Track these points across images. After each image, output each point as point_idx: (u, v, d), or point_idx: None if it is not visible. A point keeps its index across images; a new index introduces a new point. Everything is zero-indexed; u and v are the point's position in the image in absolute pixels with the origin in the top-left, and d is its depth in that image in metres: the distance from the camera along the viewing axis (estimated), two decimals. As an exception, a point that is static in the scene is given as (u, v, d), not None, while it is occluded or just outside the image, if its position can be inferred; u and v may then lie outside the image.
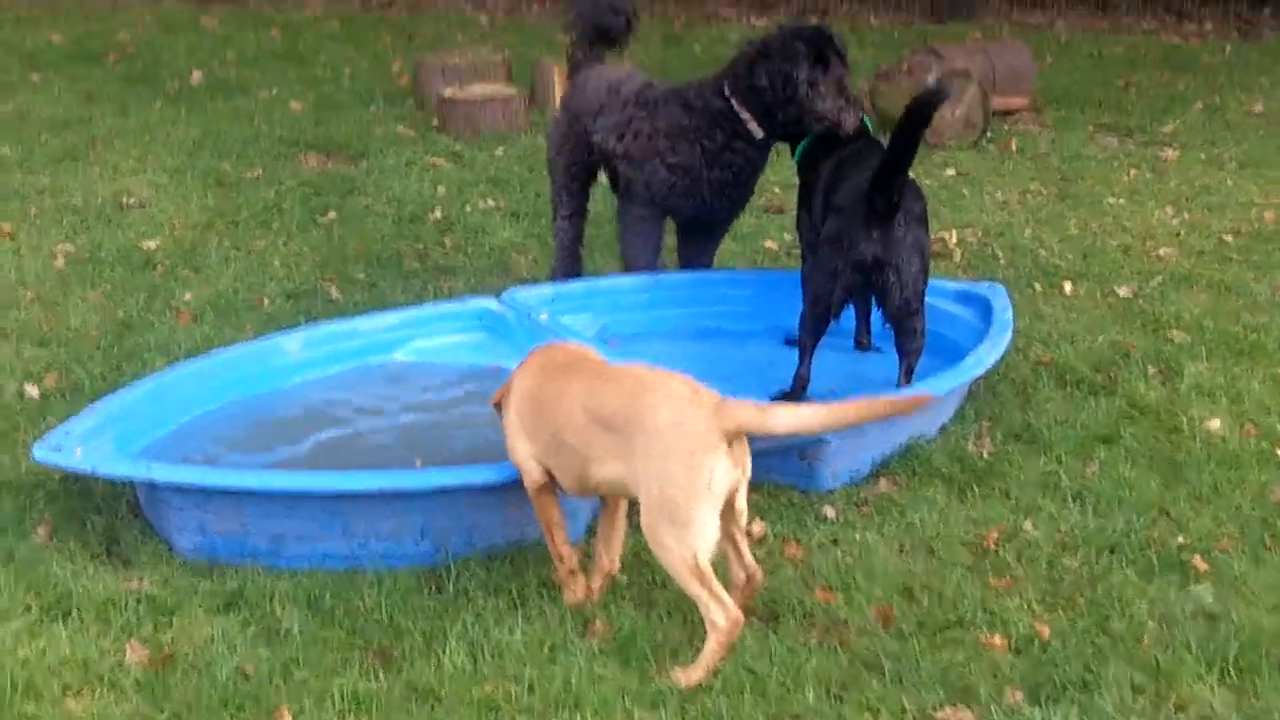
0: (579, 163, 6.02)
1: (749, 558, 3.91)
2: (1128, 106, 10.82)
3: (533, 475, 3.97)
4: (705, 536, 3.65)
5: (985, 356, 5.11)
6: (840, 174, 5.24)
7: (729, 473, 3.66)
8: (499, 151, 8.85)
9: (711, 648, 3.68)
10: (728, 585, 3.82)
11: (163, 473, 4.04)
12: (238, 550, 4.10)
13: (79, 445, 4.15)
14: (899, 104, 9.56)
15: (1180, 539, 4.48)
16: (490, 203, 7.80)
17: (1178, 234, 7.67)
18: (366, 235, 7.20)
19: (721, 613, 3.66)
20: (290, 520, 4.04)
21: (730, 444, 3.65)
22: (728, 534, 3.80)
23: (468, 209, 7.67)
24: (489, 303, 5.47)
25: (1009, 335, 5.35)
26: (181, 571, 4.12)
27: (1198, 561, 4.34)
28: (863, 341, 5.74)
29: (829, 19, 14.49)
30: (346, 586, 4.04)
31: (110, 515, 4.42)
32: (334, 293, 6.39)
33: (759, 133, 5.56)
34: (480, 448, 4.67)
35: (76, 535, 4.32)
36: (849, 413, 3.72)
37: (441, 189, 7.98)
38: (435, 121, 9.46)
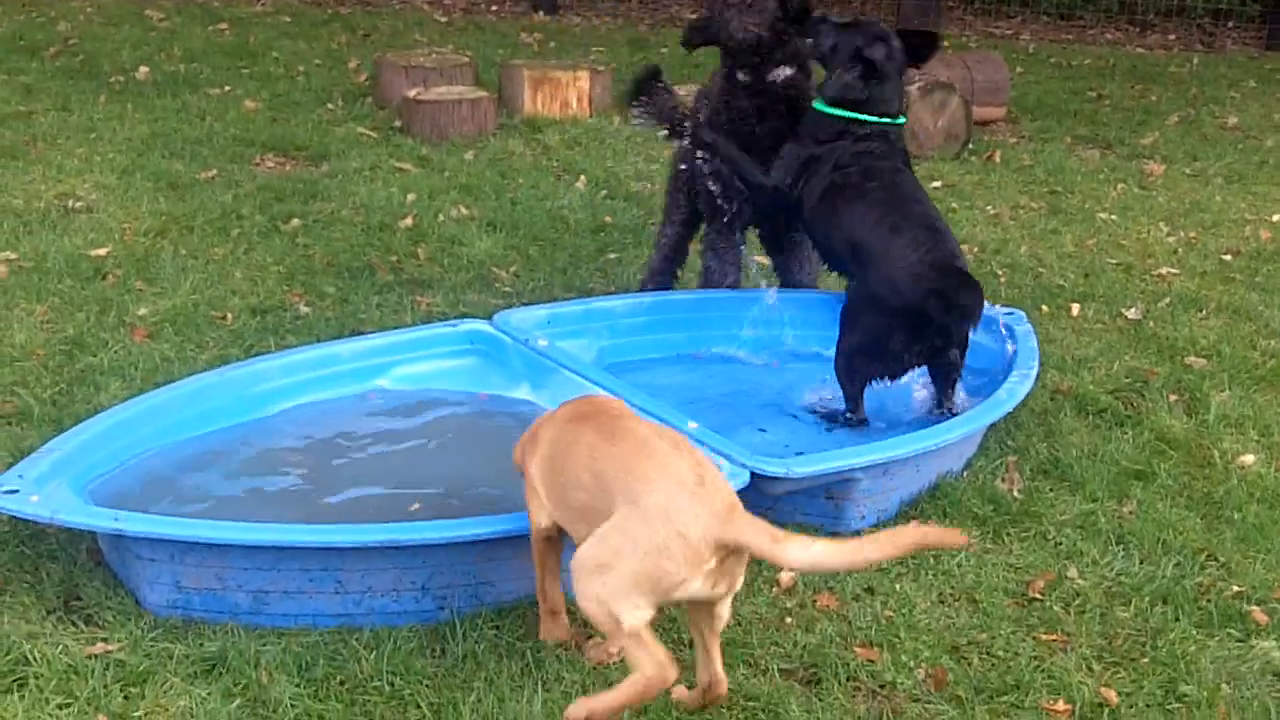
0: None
1: (718, 665, 3.36)
2: (1103, 118, 10.65)
3: (539, 523, 3.56)
4: (635, 616, 3.13)
5: (1017, 389, 4.79)
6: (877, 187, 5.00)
7: (701, 590, 3.14)
8: (469, 156, 8.42)
9: (625, 689, 3.17)
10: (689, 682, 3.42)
11: (134, 523, 3.58)
12: (216, 607, 3.66)
13: (35, 490, 3.68)
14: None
15: (1234, 587, 4.19)
16: (464, 211, 7.38)
17: (1176, 252, 7.46)
18: (334, 244, 6.75)
19: (650, 662, 3.14)
20: (277, 575, 3.61)
21: (721, 560, 3.15)
22: (699, 632, 3.33)
23: (440, 218, 7.24)
24: (481, 326, 5.04)
25: (1036, 365, 5.03)
26: (153, 632, 3.64)
27: (1257, 614, 4.05)
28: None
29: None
30: (341, 649, 3.61)
31: (68, 563, 3.93)
32: (303, 308, 5.94)
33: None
34: (474, 485, 4.29)
35: (30, 587, 3.82)
36: (871, 552, 3.16)
37: (411, 195, 7.54)
38: (398, 123, 9.01)
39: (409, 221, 7.12)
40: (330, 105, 9.46)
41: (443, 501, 4.15)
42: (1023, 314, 5.47)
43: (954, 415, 4.87)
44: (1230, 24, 14.80)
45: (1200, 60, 13.27)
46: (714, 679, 3.36)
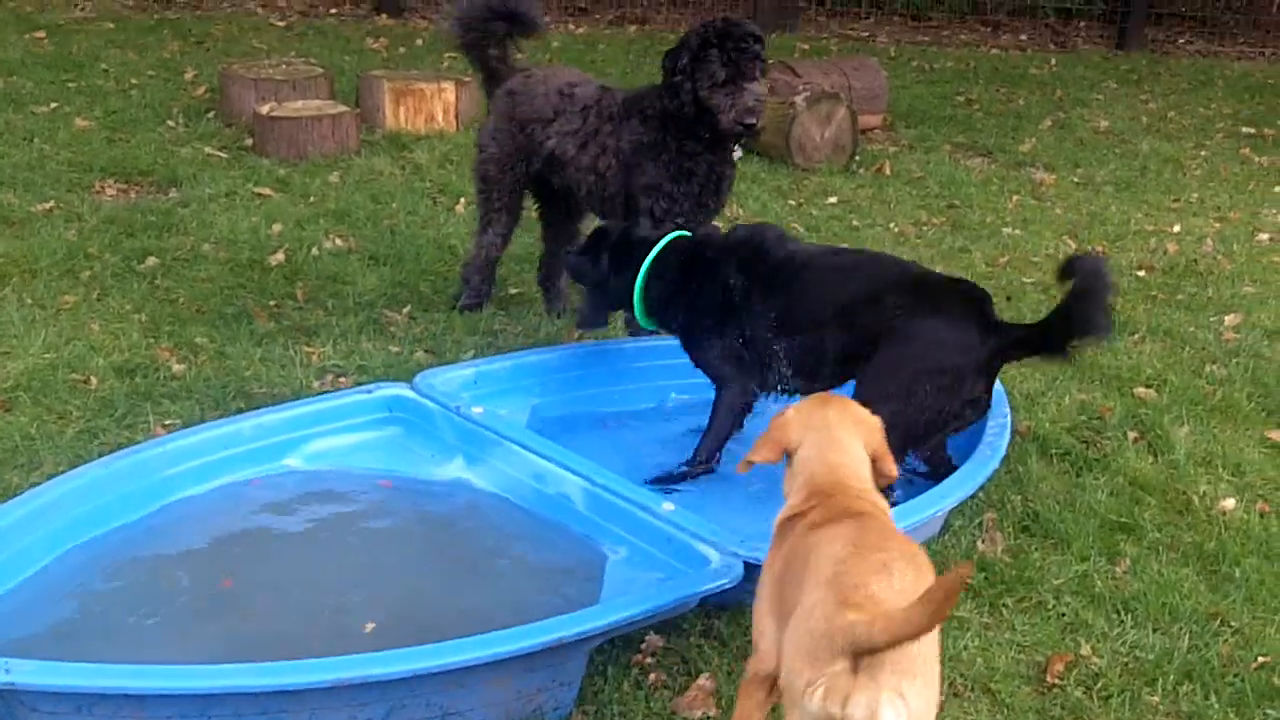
0: (525, 175, 5.65)
1: None
2: (977, 124, 10.46)
3: (762, 656, 2.89)
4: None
5: (999, 440, 4.38)
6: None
7: None
8: (333, 178, 7.75)
9: None
10: None
11: (28, 674, 2.91)
12: (132, 765, 3.01)
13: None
14: (768, 124, 8.95)
15: (1259, 658, 3.86)
16: (339, 242, 6.72)
17: (1088, 269, 7.17)
18: (199, 287, 6.04)
19: None
20: (209, 723, 2.98)
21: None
22: None
23: (314, 251, 6.57)
24: (400, 390, 4.44)
25: (1008, 410, 4.64)
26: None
27: (1291, 689, 3.69)
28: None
29: (649, 28, 13.78)
30: (291, 810, 3.01)
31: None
32: (175, 365, 5.24)
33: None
34: (415, 584, 3.70)
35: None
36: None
37: (277, 226, 6.85)
38: (249, 141, 8.29)
39: (280, 257, 6.43)
40: (171, 122, 8.67)
41: (389, 615, 3.55)
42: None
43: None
44: (1081, 23, 14.84)
45: (1058, 61, 13.21)
46: None
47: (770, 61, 9.79)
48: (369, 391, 4.43)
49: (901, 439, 4.05)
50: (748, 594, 3.61)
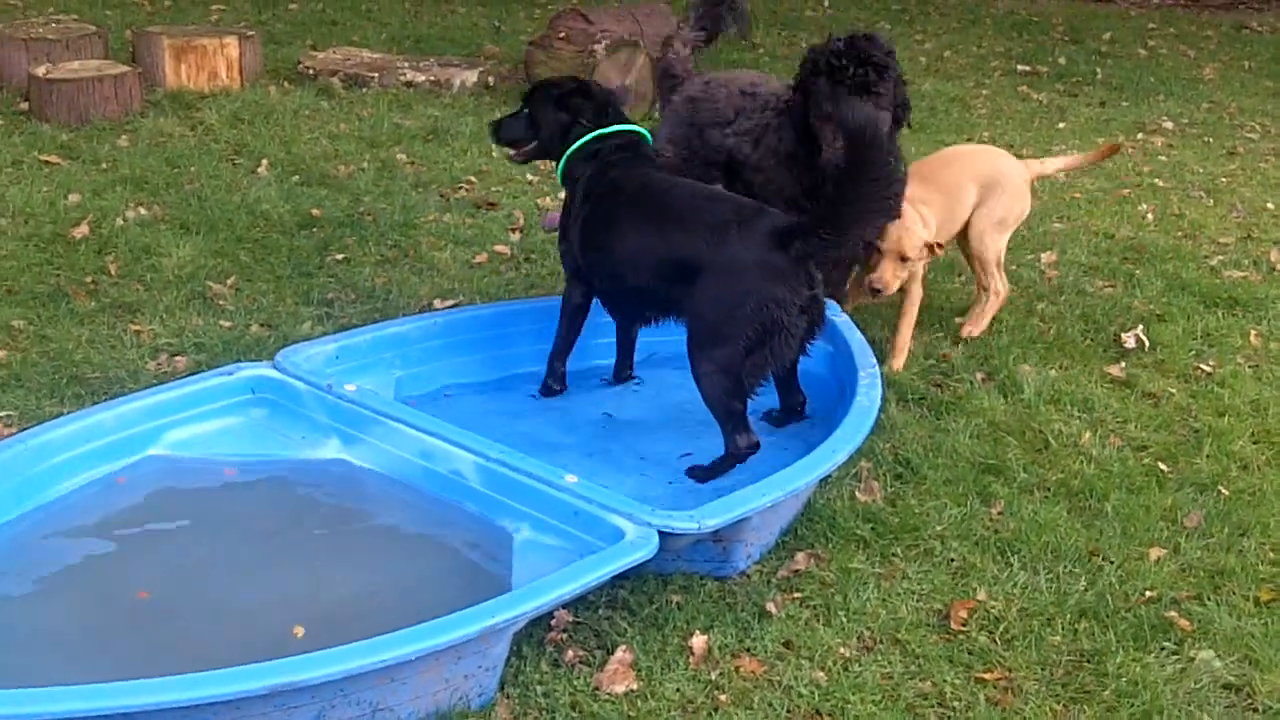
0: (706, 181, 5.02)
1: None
2: (763, 66, 10.47)
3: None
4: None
5: (873, 391, 4.40)
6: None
7: None
8: (122, 142, 7.30)
9: (992, 305, 5.53)
10: None
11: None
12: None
13: None
14: (560, 73, 8.82)
15: (1146, 592, 3.98)
16: (143, 211, 6.34)
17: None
18: (3, 266, 5.61)
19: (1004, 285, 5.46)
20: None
21: None
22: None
23: (119, 221, 6.17)
24: (262, 370, 4.19)
25: (876, 364, 4.65)
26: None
27: (1179, 620, 3.84)
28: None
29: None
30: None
31: None
32: (-3, 351, 4.86)
33: None
34: (323, 576, 3.52)
35: None
36: None
37: (74, 196, 6.41)
38: (24, 105, 7.74)
39: (84, 229, 6.03)
40: (-69, 88, 8.02)
41: (305, 614, 3.35)
42: (834, 303, 5.08)
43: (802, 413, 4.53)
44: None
45: (830, 2, 13.43)
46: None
47: (566, 10, 9.71)
48: (230, 373, 4.17)
49: (741, 374, 4.14)
50: (653, 563, 3.56)
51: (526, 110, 4.66)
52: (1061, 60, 11.43)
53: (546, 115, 4.59)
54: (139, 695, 2.75)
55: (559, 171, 4.62)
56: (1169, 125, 9.52)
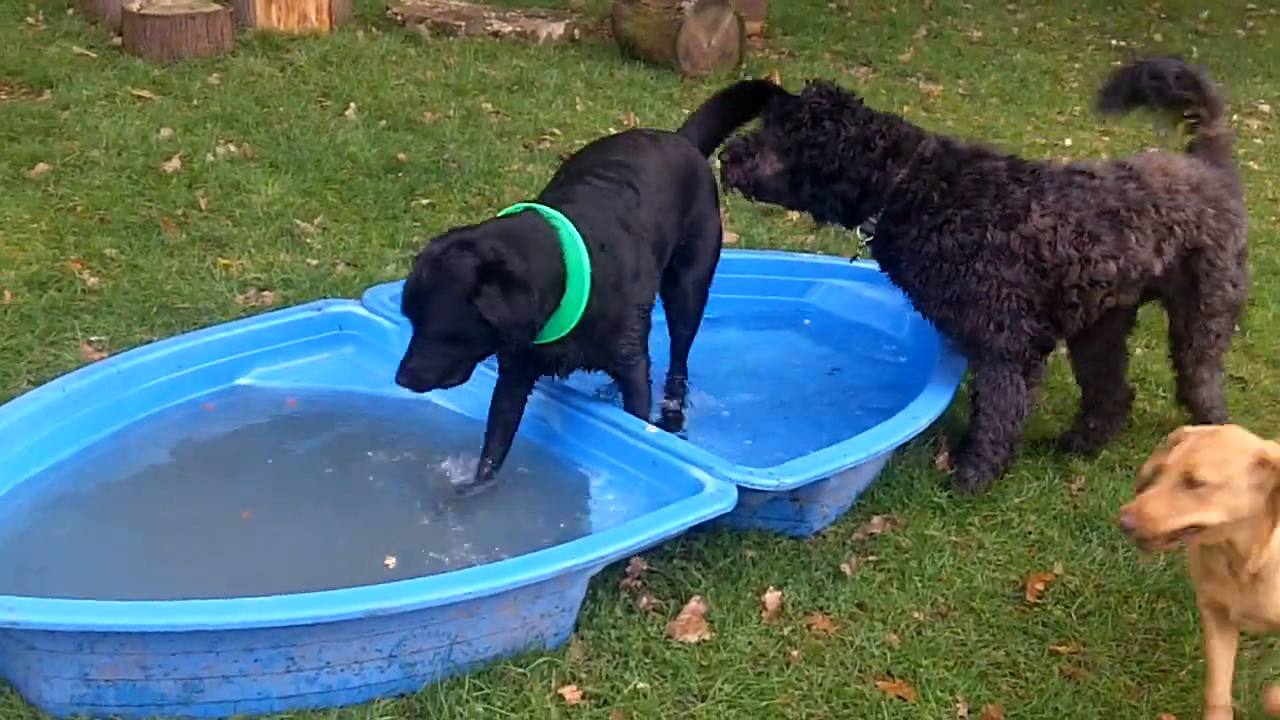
0: None
1: None
2: (853, 32, 10.45)
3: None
4: None
5: (955, 362, 4.37)
6: None
7: None
8: (213, 80, 7.37)
9: None
10: None
11: (31, 612, 2.70)
12: (135, 700, 2.84)
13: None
14: (647, 30, 8.81)
15: (1220, 574, 3.91)
16: (234, 149, 6.40)
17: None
18: (97, 195, 5.68)
19: None
20: (214, 659, 2.82)
21: None
22: None
23: (209, 157, 6.24)
24: (350, 308, 4.23)
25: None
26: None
27: (1256, 604, 3.77)
28: None
29: None
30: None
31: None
32: (89, 278, 4.94)
33: None
34: (412, 511, 3.54)
35: None
36: None
37: (166, 130, 6.49)
38: (117, 40, 7.82)
39: (176, 164, 6.10)
40: (30, 20, 8.12)
41: (396, 546, 3.40)
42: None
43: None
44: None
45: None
46: None
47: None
48: (318, 309, 4.22)
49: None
50: (729, 518, 3.57)
51: None
52: (1157, 37, 11.22)
53: None
54: (252, 612, 2.83)
55: None
56: (1265, 109, 9.33)
